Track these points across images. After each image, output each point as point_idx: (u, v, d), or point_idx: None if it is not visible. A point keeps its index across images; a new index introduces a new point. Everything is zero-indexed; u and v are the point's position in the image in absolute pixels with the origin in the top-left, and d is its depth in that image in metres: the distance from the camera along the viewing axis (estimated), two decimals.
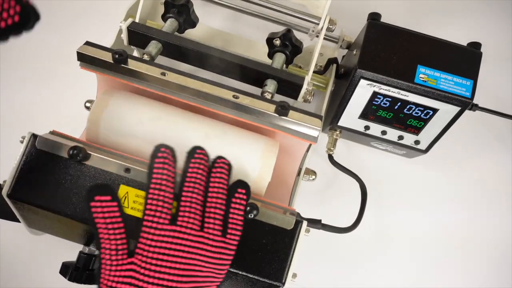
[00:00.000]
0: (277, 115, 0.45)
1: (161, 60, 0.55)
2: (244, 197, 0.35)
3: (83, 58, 0.46)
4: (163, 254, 0.31)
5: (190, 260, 0.32)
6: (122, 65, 0.45)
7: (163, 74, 0.45)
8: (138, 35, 0.54)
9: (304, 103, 0.56)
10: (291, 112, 0.45)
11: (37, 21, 0.34)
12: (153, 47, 0.53)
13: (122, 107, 0.45)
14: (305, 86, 0.53)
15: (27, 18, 0.33)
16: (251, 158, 0.45)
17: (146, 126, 0.45)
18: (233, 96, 0.45)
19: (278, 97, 0.51)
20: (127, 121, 0.45)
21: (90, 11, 0.76)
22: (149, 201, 0.31)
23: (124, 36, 0.55)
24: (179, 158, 0.44)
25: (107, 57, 0.45)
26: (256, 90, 0.52)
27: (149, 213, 0.31)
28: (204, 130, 0.45)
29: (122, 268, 0.30)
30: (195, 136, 0.45)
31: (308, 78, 0.54)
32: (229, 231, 0.34)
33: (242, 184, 0.36)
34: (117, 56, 0.44)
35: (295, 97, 0.55)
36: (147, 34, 0.53)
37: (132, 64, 0.46)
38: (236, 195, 0.35)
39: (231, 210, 0.35)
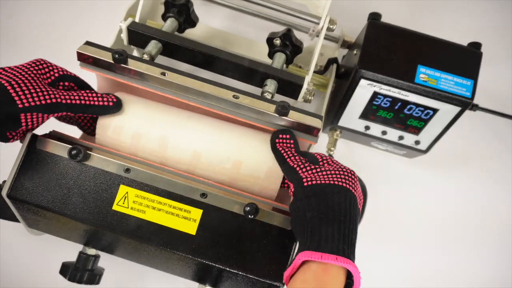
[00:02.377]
0: (277, 115, 0.45)
1: (161, 60, 0.55)
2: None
3: (83, 58, 0.46)
4: None
5: None
6: (122, 65, 0.45)
7: (163, 74, 0.45)
8: (138, 34, 0.54)
9: (304, 103, 0.55)
10: (291, 112, 0.45)
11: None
12: (153, 46, 0.53)
13: (134, 111, 0.45)
14: (305, 86, 0.53)
15: (118, 108, 0.45)
16: (262, 160, 0.45)
17: (157, 131, 0.45)
18: (233, 96, 0.45)
19: (278, 97, 0.51)
20: (138, 125, 0.45)
21: (90, 11, 0.76)
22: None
23: (124, 35, 0.55)
24: (183, 158, 0.44)
25: (107, 57, 0.45)
26: (256, 90, 0.52)
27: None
28: (215, 133, 0.45)
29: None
30: (205, 140, 0.45)
31: (308, 78, 0.54)
32: None
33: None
34: (117, 56, 0.44)
35: (295, 97, 0.55)
36: (147, 33, 0.53)
37: (132, 64, 0.45)
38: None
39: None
